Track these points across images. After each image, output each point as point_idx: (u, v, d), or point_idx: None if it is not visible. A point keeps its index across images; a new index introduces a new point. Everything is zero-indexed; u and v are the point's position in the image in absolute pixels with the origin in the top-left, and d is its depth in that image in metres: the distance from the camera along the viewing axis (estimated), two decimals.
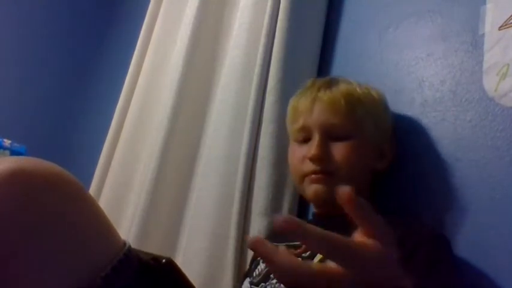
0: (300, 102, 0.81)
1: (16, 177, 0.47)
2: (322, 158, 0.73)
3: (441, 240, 0.68)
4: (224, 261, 0.90)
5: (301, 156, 0.76)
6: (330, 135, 0.75)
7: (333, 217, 0.72)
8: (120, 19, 1.89)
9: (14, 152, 1.19)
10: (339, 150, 0.74)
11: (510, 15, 0.76)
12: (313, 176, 0.74)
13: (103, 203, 1.20)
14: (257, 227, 0.90)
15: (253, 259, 0.80)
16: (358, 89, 0.79)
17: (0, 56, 1.69)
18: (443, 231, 0.72)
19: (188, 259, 0.94)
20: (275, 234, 0.82)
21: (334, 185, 0.73)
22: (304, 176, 0.76)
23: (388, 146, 0.80)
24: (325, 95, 0.77)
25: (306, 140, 0.77)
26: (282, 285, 0.66)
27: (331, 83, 0.79)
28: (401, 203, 0.81)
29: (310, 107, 0.77)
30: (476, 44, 0.79)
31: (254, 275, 0.74)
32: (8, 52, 1.71)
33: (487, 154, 0.73)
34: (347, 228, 0.69)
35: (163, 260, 0.57)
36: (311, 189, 0.75)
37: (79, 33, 1.88)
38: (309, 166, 0.74)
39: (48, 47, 1.80)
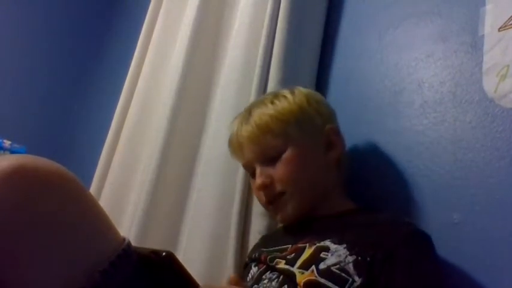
0: (231, 145, 0.86)
1: (17, 174, 0.47)
2: (266, 185, 0.77)
3: (421, 238, 0.67)
4: (224, 261, 0.90)
5: (255, 189, 0.81)
6: (267, 160, 0.78)
7: (301, 223, 0.78)
8: (120, 19, 1.89)
9: (13, 153, 1.20)
10: (279, 169, 0.77)
11: (510, 16, 0.76)
12: (271, 207, 0.80)
13: (103, 203, 1.20)
14: (257, 227, 0.91)
15: (246, 264, 0.81)
16: (269, 107, 0.80)
17: (0, 56, 1.69)
18: (443, 231, 0.72)
19: (188, 259, 0.94)
20: (266, 240, 0.84)
21: (292, 200, 0.77)
22: (267, 205, 0.81)
23: (331, 133, 0.81)
24: (243, 132, 0.81)
25: (254, 174, 0.81)
26: (273, 284, 0.68)
27: (247, 116, 0.82)
28: (400, 203, 0.81)
29: (239, 148, 0.83)
30: (476, 45, 0.79)
31: (247, 279, 0.75)
32: (8, 52, 1.71)
33: (486, 155, 0.73)
34: (317, 228, 0.75)
35: (163, 253, 0.58)
36: (278, 217, 0.81)
37: (79, 34, 1.88)
38: (264, 196, 0.79)
39: (48, 47, 1.80)
